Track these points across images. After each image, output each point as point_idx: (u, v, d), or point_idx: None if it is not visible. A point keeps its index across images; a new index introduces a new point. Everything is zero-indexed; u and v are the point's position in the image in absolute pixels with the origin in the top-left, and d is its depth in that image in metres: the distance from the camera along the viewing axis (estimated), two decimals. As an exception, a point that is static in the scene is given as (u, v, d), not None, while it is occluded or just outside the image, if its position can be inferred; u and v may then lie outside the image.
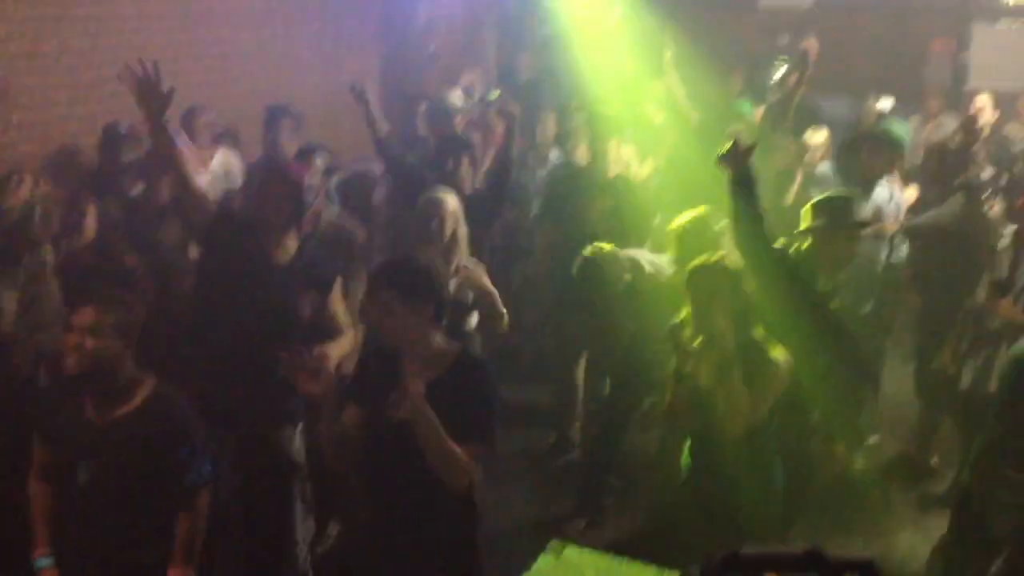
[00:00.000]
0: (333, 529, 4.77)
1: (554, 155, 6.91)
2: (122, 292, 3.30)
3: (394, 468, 3.03)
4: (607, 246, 4.77)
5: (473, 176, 5.47)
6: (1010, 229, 5.32)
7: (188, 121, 6.16)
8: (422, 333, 3.03)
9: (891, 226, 5.62)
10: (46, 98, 6.07)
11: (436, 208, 4.54)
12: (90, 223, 4.56)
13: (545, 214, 6.02)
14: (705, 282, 3.61)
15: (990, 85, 8.95)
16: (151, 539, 3.22)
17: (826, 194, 4.43)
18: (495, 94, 7.67)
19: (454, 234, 4.55)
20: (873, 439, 5.87)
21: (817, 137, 6.52)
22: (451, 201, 4.59)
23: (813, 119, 6.63)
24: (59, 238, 4.77)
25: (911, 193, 6.05)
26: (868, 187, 5.57)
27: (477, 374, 3.07)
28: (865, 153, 5.66)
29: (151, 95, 3.64)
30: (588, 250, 4.80)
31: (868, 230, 5.40)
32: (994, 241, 5.29)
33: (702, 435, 3.71)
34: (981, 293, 4.89)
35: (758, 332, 3.60)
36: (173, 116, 6.15)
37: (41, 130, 6.00)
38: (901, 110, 8.61)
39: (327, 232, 4.81)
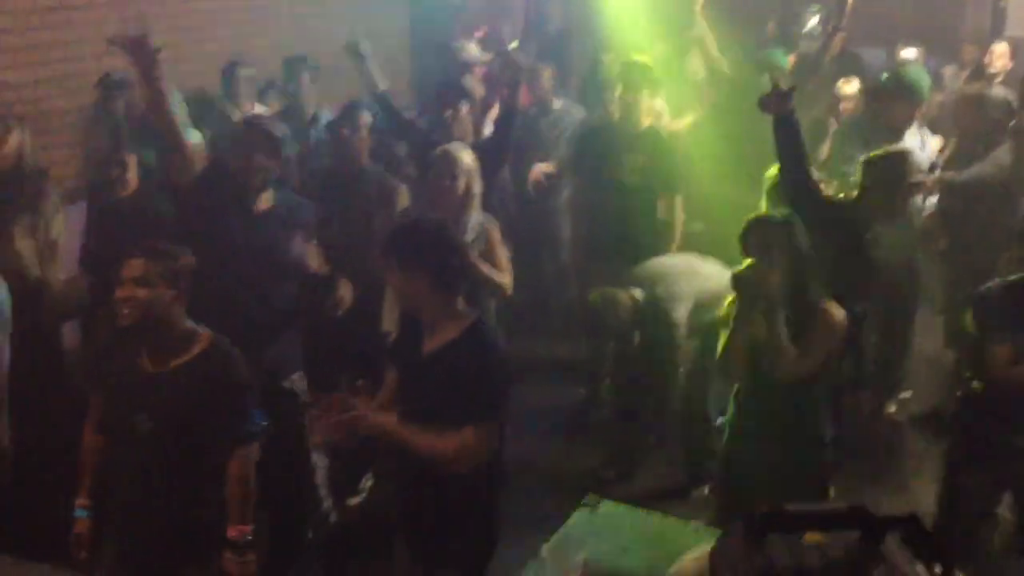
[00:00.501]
0: (366, 482, 4.80)
1: (557, 105, 6.82)
2: (169, 242, 3.32)
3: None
4: (610, 291, 4.77)
5: (475, 125, 5.45)
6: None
7: (228, 75, 6.16)
8: (422, 300, 3.04)
9: (931, 181, 5.52)
10: (76, 52, 6.06)
11: (450, 165, 4.51)
12: (132, 176, 4.56)
13: (575, 168, 5.97)
14: (760, 233, 3.59)
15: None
16: (206, 495, 3.25)
17: (883, 150, 4.39)
18: (513, 45, 7.57)
19: (468, 190, 4.52)
20: (905, 394, 5.83)
21: (849, 88, 6.40)
22: (466, 157, 4.56)
23: (856, 69, 6.51)
24: (98, 190, 4.79)
25: (936, 142, 5.94)
26: (896, 136, 5.46)
27: (481, 348, 3.02)
28: (888, 101, 5.54)
29: (140, 52, 3.65)
30: (593, 295, 4.85)
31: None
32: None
33: (753, 385, 3.69)
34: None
35: (812, 284, 3.57)
36: (211, 70, 6.26)
37: (73, 82, 5.99)
38: (937, 59, 8.45)
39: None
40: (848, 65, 7.10)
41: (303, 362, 4.28)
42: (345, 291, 4.11)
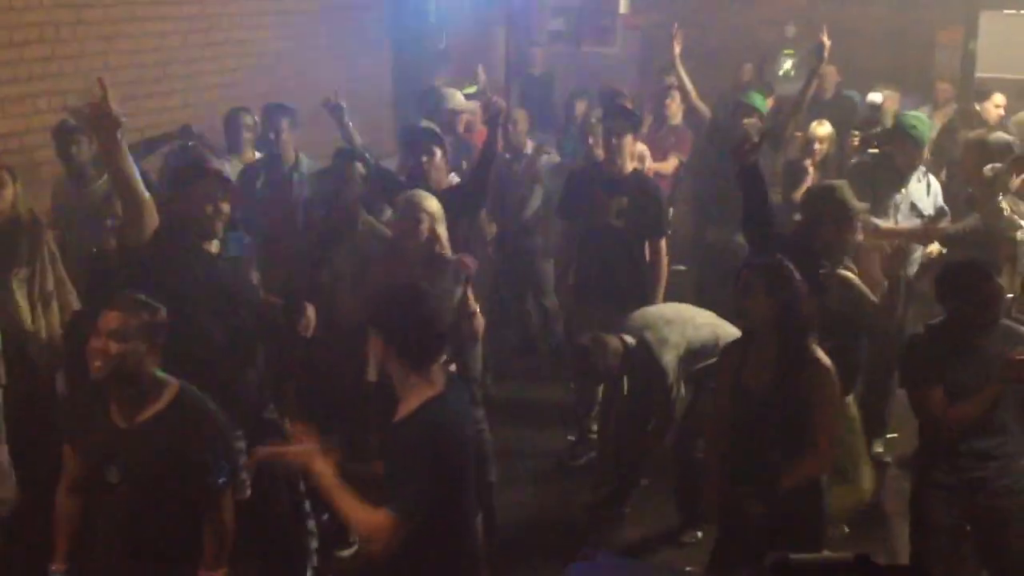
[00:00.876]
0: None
1: (529, 149, 6.94)
2: (146, 295, 3.32)
3: None
4: (600, 336, 4.86)
5: (446, 169, 5.56)
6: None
7: (232, 124, 6.23)
8: (389, 367, 3.03)
9: (934, 229, 5.57)
10: (63, 102, 6.10)
11: (413, 210, 4.62)
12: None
13: (561, 211, 6.05)
14: (752, 279, 3.66)
15: (999, 74, 8.97)
16: (180, 543, 3.25)
17: (818, 184, 4.54)
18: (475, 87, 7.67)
19: (432, 234, 4.63)
20: (892, 434, 5.90)
21: (821, 129, 6.52)
22: (430, 202, 4.66)
23: (851, 111, 6.65)
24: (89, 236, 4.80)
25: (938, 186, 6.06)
26: (900, 180, 5.58)
27: (420, 434, 2.92)
28: (894, 146, 5.67)
29: (101, 119, 3.63)
30: (583, 339, 4.93)
31: (907, 227, 5.50)
32: (1012, 232, 5.30)
33: (747, 436, 3.74)
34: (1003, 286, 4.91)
35: (802, 327, 3.65)
36: (212, 117, 6.32)
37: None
38: (911, 99, 8.62)
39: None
40: (844, 108, 7.22)
41: (272, 393, 4.38)
42: (311, 313, 4.28)
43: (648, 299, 5.59)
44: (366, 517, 2.85)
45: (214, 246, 4.09)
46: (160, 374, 3.25)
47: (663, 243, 5.74)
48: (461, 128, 6.73)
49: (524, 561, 4.71)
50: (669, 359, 4.80)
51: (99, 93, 3.56)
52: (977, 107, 7.65)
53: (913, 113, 6.27)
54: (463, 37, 9.72)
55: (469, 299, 4.56)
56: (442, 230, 4.67)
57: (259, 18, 7.59)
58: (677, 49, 6.90)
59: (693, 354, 4.82)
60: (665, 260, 5.77)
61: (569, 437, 6.02)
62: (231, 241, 4.23)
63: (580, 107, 7.69)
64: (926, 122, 5.92)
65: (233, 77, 7.29)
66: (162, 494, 3.18)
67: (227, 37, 7.28)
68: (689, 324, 4.89)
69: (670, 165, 7.30)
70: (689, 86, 7.07)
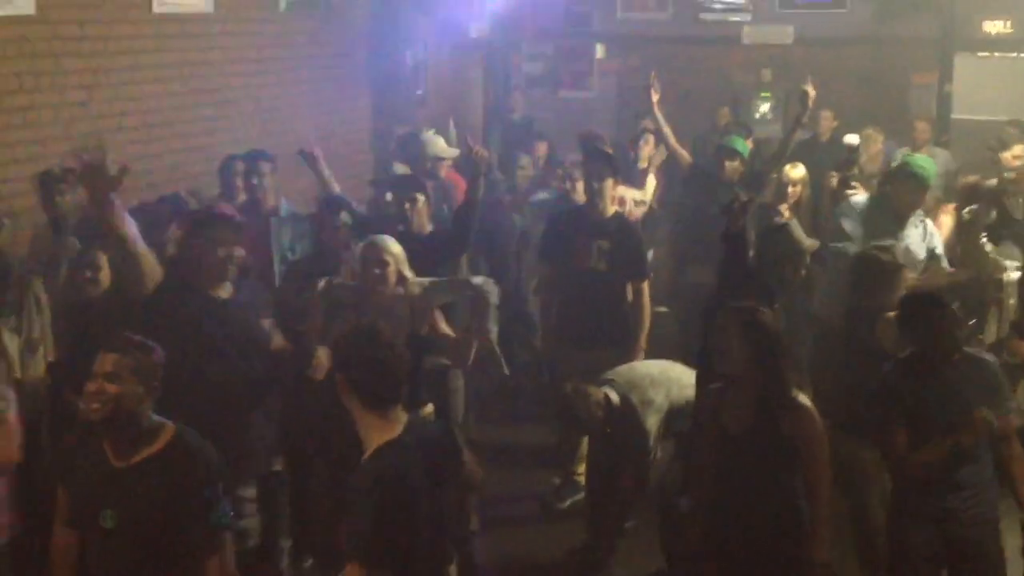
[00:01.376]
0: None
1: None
2: (142, 338, 3.30)
3: None
4: (583, 386, 4.89)
5: (428, 215, 5.60)
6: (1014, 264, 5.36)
7: (226, 169, 6.25)
8: (350, 407, 3.07)
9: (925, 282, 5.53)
10: (43, 151, 6.08)
11: (378, 252, 4.66)
12: (105, 272, 4.55)
13: (543, 254, 6.06)
14: (721, 322, 3.66)
15: (973, 115, 9.10)
16: None
17: (771, 224, 4.60)
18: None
19: (399, 275, 4.67)
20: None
21: (795, 172, 6.56)
22: (392, 245, 4.71)
23: (849, 156, 6.66)
24: (71, 286, 4.78)
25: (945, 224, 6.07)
26: (900, 222, 5.54)
27: (361, 478, 2.96)
28: (896, 187, 5.65)
29: (96, 177, 3.61)
30: (566, 387, 4.94)
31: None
32: (999, 274, 5.33)
33: (729, 479, 3.71)
34: (991, 329, 4.96)
35: (784, 372, 3.65)
36: (203, 160, 6.32)
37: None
38: (886, 142, 8.72)
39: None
40: (840, 152, 7.25)
41: (280, 439, 4.39)
42: (323, 356, 4.24)
43: (631, 342, 5.60)
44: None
45: (225, 291, 4.11)
46: (156, 417, 3.23)
47: (646, 285, 5.76)
48: (443, 173, 6.75)
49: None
50: (652, 422, 4.82)
51: (96, 151, 3.56)
52: (999, 156, 7.53)
53: (920, 155, 6.28)
54: (441, 82, 9.81)
55: (438, 325, 4.61)
56: (408, 272, 4.70)
57: (238, 65, 7.62)
58: (655, 97, 6.96)
59: (676, 413, 4.83)
60: (648, 302, 5.78)
61: (554, 480, 5.98)
62: (243, 288, 4.25)
63: (540, 149, 7.82)
64: (932, 165, 5.92)
65: (214, 124, 7.30)
66: (160, 539, 3.14)
67: (207, 85, 7.30)
68: (675, 384, 4.90)
69: (646, 205, 7.35)
70: (667, 131, 7.13)
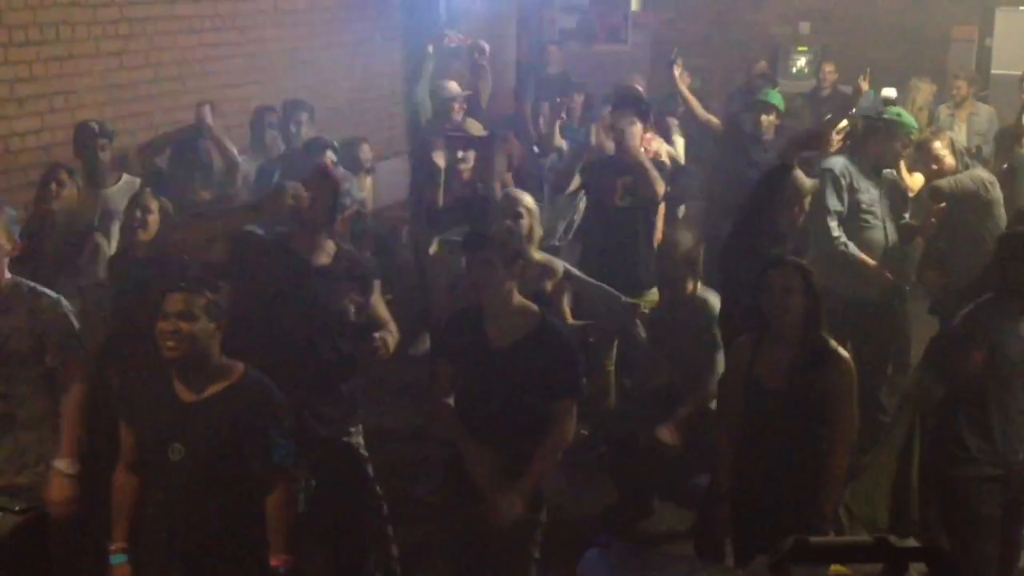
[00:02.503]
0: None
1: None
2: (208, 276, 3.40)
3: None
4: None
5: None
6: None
7: (256, 122, 6.29)
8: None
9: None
10: (80, 101, 6.15)
11: (511, 204, 4.84)
12: (155, 217, 4.58)
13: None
14: (780, 277, 3.65)
15: (1014, 71, 8.93)
16: (241, 524, 3.29)
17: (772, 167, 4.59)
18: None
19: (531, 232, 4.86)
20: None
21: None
22: (526, 199, 4.88)
23: (848, 108, 6.61)
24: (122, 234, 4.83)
25: (917, 179, 6.05)
26: (878, 173, 5.57)
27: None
28: (879, 139, 5.62)
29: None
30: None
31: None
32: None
33: (760, 433, 3.71)
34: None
35: (823, 325, 3.65)
36: (237, 113, 6.36)
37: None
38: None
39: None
40: (840, 104, 7.19)
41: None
42: (385, 337, 4.06)
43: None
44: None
45: (319, 258, 3.96)
46: (225, 358, 3.32)
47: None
48: (458, 115, 6.76)
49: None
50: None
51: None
52: None
53: (897, 108, 6.22)
54: (474, 36, 9.73)
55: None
56: (539, 230, 4.95)
57: (272, 17, 7.62)
58: (686, 79, 6.92)
59: None
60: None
61: (582, 431, 6.01)
62: (340, 256, 4.02)
63: (577, 99, 7.82)
64: (909, 117, 5.90)
65: (247, 76, 7.32)
66: (223, 472, 3.23)
67: (241, 37, 7.31)
68: None
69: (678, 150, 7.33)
70: (695, 104, 7.10)
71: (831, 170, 5.54)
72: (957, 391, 3.90)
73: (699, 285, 4.87)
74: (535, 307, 3.72)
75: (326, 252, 3.97)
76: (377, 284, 4.14)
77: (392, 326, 4.14)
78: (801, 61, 10.44)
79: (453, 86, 6.96)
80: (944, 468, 3.92)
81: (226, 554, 3.27)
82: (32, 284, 3.71)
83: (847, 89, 8.35)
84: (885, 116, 5.70)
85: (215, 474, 3.22)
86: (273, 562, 3.27)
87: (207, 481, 3.22)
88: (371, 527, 4.23)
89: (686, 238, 4.91)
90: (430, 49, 6.98)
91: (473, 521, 3.68)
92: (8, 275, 3.64)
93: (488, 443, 3.64)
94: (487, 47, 7.15)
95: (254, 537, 3.29)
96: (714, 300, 4.65)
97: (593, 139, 6.07)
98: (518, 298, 3.69)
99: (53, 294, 3.72)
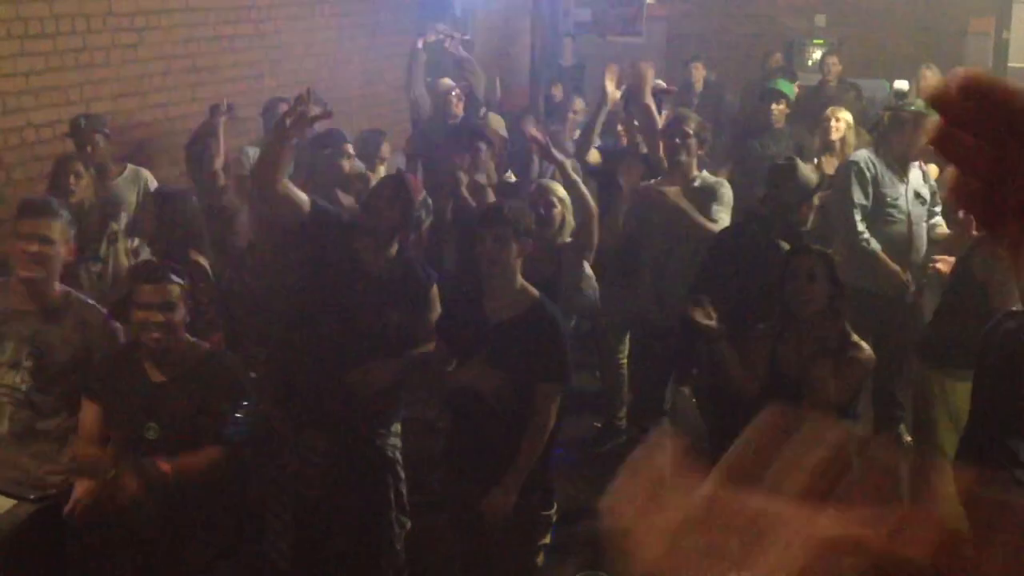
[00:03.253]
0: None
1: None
2: (178, 266, 3.52)
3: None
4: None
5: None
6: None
7: (268, 112, 6.28)
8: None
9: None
10: (94, 93, 6.17)
11: (544, 194, 4.90)
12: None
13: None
14: (805, 265, 3.65)
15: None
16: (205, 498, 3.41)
17: (781, 161, 4.57)
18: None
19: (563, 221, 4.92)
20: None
21: (842, 115, 6.46)
22: (558, 189, 4.95)
23: (854, 98, 6.59)
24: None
25: (932, 171, 5.99)
26: (904, 166, 5.51)
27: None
28: (905, 132, 5.55)
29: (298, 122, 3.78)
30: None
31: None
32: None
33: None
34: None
35: (844, 315, 3.65)
36: (250, 105, 6.36)
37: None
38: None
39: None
40: (846, 94, 7.15)
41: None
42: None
43: None
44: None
45: (377, 265, 3.90)
46: (190, 337, 3.46)
47: None
48: (457, 109, 6.76)
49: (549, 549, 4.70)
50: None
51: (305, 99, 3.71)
52: None
53: (912, 101, 6.17)
54: (489, 28, 9.73)
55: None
56: (571, 219, 4.93)
57: (286, 9, 7.63)
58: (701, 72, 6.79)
59: None
60: None
61: (595, 424, 6.02)
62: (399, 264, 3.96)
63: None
64: (923, 104, 5.82)
65: (260, 68, 7.34)
66: (195, 448, 3.34)
67: (255, 29, 7.33)
68: None
69: None
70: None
71: (856, 163, 5.51)
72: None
73: None
74: (535, 290, 3.73)
75: (385, 257, 3.89)
76: (434, 298, 4.01)
77: (430, 344, 3.99)
78: (817, 54, 10.38)
79: (445, 81, 6.96)
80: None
81: (194, 526, 3.41)
82: (81, 296, 3.74)
83: (861, 82, 8.35)
84: (912, 108, 5.64)
85: (188, 450, 3.32)
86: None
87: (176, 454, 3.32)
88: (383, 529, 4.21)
89: None
90: (420, 45, 6.95)
91: (473, 515, 3.68)
92: (58, 285, 3.63)
93: (478, 422, 3.65)
94: (457, 36, 7.11)
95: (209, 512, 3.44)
96: None
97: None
98: (520, 279, 3.72)
99: (102, 309, 3.72)
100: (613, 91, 5.83)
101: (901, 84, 6.85)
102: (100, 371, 3.50)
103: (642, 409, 5.41)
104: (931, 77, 8.20)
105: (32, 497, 3.51)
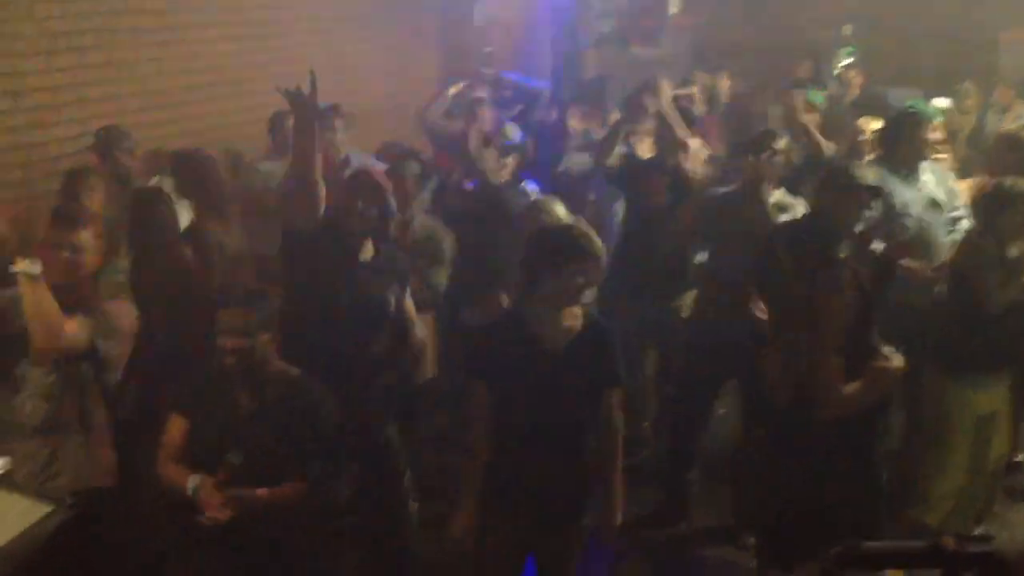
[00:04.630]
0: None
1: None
2: (259, 287, 3.53)
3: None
4: None
5: None
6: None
7: (276, 125, 6.27)
8: None
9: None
10: (120, 107, 6.19)
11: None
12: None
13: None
14: (833, 274, 3.57)
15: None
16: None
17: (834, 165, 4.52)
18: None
19: None
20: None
21: (873, 124, 6.38)
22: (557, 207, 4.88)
23: (879, 107, 6.50)
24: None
25: (964, 185, 5.88)
26: (913, 171, 5.33)
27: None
28: (904, 135, 5.46)
29: (308, 107, 3.86)
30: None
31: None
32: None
33: (793, 418, 3.61)
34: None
35: (873, 325, 3.55)
36: (257, 120, 6.37)
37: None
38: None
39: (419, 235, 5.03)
40: (870, 103, 7.07)
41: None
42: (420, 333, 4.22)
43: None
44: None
45: (364, 252, 4.02)
46: (278, 362, 3.44)
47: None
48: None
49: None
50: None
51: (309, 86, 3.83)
52: None
53: (917, 101, 6.07)
54: (511, 39, 9.73)
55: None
56: None
57: (309, 24, 7.65)
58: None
59: None
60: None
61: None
62: (380, 253, 4.09)
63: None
64: (928, 111, 5.72)
65: (284, 83, 7.32)
66: (277, 476, 3.33)
67: (280, 43, 7.34)
68: None
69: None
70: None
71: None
72: None
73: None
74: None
75: (367, 248, 4.03)
76: (408, 282, 4.23)
77: (420, 325, 4.27)
78: (847, 61, 10.30)
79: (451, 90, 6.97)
80: None
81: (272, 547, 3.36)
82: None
83: (890, 92, 8.25)
84: (905, 111, 5.56)
85: (271, 478, 3.31)
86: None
87: (263, 484, 3.30)
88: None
89: None
90: (450, 92, 6.95)
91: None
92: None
93: (533, 455, 3.52)
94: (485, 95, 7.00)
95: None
96: None
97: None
98: None
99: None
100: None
101: (940, 102, 6.73)
102: (194, 387, 3.49)
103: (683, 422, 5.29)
104: (974, 93, 8.11)
105: (70, 503, 3.50)
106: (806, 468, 3.49)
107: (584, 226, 4.39)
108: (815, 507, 3.49)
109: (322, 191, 3.85)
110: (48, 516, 3.34)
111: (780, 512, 3.58)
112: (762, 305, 4.05)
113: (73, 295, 3.54)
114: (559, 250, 3.50)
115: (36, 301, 3.36)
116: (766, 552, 3.79)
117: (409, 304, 4.26)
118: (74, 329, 3.48)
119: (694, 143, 6.20)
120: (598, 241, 3.65)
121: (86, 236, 3.62)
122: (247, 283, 3.88)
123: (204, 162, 4.88)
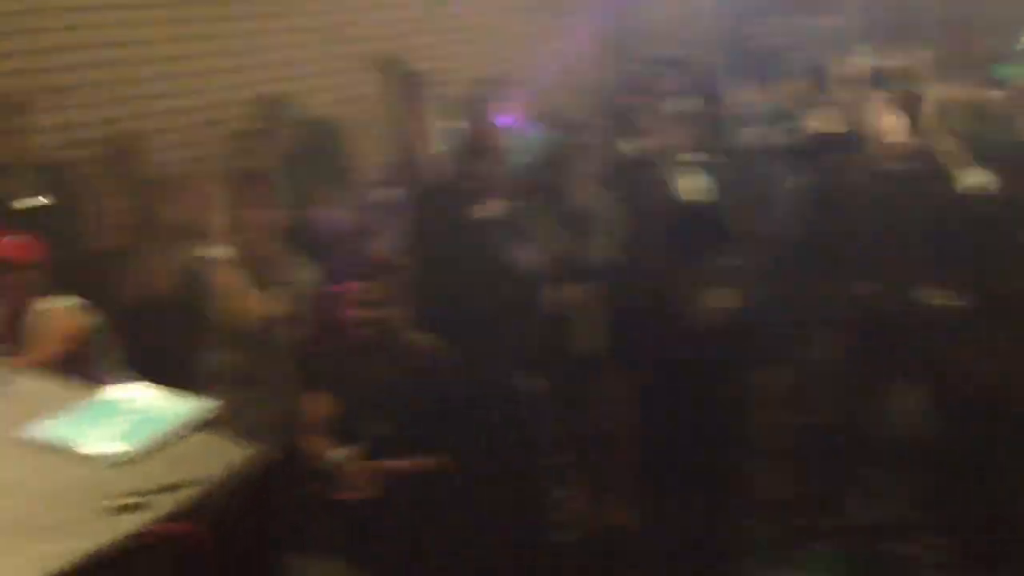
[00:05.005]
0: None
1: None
2: (389, 258, 3.57)
3: None
4: None
5: None
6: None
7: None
8: None
9: None
10: (143, 90, 5.82)
11: None
12: None
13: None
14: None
15: None
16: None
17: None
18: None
19: None
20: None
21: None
22: None
23: None
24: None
25: None
26: None
27: None
28: None
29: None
30: None
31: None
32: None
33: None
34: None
35: None
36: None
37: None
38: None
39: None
40: None
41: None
42: (569, 292, 4.25)
43: None
44: None
45: (484, 210, 4.15)
46: (416, 333, 3.46)
47: None
48: None
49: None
50: None
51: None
52: None
53: None
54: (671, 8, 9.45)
55: None
56: None
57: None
58: None
59: None
60: None
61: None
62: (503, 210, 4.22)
63: None
64: None
65: (454, 50, 7.36)
66: (421, 446, 3.35)
67: (446, 11, 7.40)
68: None
69: None
70: None
71: None
72: None
73: None
74: None
75: (492, 209, 4.14)
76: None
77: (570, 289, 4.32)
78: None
79: None
80: None
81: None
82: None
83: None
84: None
85: (416, 449, 3.32)
86: None
87: (408, 455, 3.32)
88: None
89: None
90: None
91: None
92: None
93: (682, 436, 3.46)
94: None
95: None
96: None
97: None
98: None
99: None
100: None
101: None
102: (332, 362, 3.55)
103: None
104: None
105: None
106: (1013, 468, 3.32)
107: (742, 204, 4.31)
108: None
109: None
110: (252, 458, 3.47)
111: (985, 510, 3.42)
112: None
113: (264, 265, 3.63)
114: (707, 230, 3.43)
115: (228, 283, 3.47)
116: (961, 551, 3.62)
117: (538, 262, 4.23)
118: (264, 305, 3.58)
119: (889, 119, 5.94)
120: (752, 220, 3.56)
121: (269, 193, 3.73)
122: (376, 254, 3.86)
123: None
